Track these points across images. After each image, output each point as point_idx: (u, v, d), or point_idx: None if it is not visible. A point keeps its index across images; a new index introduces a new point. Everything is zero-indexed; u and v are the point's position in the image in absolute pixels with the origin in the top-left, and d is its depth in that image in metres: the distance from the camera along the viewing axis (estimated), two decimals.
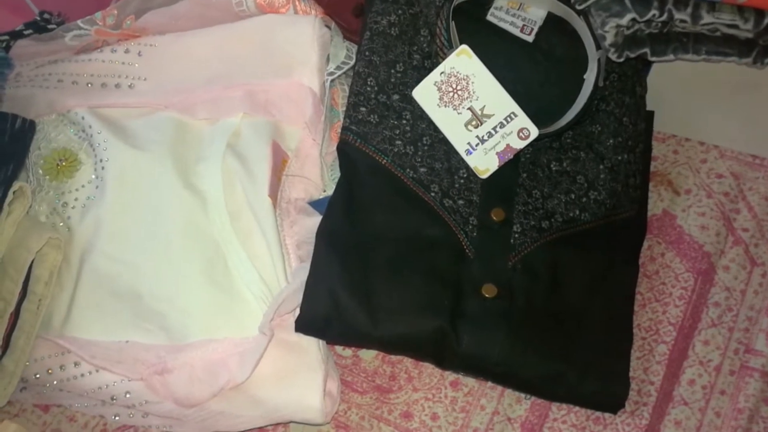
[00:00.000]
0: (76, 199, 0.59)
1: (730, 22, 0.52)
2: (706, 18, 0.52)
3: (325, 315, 0.52)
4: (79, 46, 0.65)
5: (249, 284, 0.55)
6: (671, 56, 0.55)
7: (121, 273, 0.56)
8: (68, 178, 0.59)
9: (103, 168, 0.58)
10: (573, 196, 0.57)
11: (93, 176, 0.59)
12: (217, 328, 0.55)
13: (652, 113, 0.62)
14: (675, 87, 0.62)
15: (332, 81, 0.63)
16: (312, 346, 0.54)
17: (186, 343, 0.54)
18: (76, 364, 0.55)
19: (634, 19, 0.53)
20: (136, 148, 0.59)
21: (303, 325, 0.53)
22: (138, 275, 0.56)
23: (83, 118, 0.60)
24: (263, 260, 0.55)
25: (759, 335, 0.56)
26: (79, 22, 0.65)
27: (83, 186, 0.59)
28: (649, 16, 0.52)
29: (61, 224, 0.58)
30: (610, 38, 0.55)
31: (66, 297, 0.56)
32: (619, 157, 0.58)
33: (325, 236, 0.55)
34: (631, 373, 0.54)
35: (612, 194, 0.57)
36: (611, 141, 0.58)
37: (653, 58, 0.56)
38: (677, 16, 0.52)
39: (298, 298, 0.53)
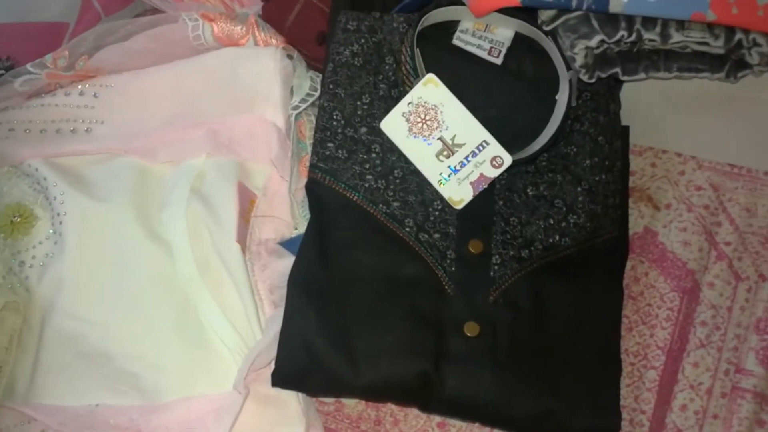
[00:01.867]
0: (33, 257, 0.56)
1: (701, 39, 0.51)
2: (676, 36, 0.51)
3: (302, 367, 0.50)
4: (30, 90, 0.62)
5: (222, 336, 0.53)
6: (643, 75, 0.54)
7: (86, 333, 0.54)
8: (24, 235, 0.56)
9: (60, 222, 0.56)
10: (552, 221, 0.55)
11: (50, 231, 0.57)
12: (192, 384, 0.53)
13: (627, 128, 0.61)
14: (649, 100, 0.61)
15: (298, 113, 0.61)
16: (291, 398, 0.52)
17: (161, 402, 0.52)
18: None
19: (603, 40, 0.52)
20: (96, 199, 0.56)
21: (280, 380, 0.51)
22: (105, 334, 0.54)
23: (37, 169, 0.58)
24: (235, 310, 0.53)
25: (749, 354, 0.55)
26: (28, 66, 0.62)
27: (40, 242, 0.56)
28: (617, 37, 0.51)
29: (19, 285, 0.55)
30: (580, 60, 0.53)
31: (29, 361, 0.54)
32: (597, 178, 0.57)
33: (297, 282, 0.53)
34: (621, 402, 0.53)
35: (592, 217, 0.56)
36: (587, 162, 0.57)
37: (625, 78, 0.55)
38: (646, 35, 0.51)
39: (273, 351, 0.51)
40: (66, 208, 0.56)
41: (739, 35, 0.50)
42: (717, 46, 0.51)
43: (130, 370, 0.53)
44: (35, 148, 0.59)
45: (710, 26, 0.51)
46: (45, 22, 0.65)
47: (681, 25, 0.50)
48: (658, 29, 0.50)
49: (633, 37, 0.51)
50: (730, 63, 0.53)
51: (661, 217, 0.60)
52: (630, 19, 0.51)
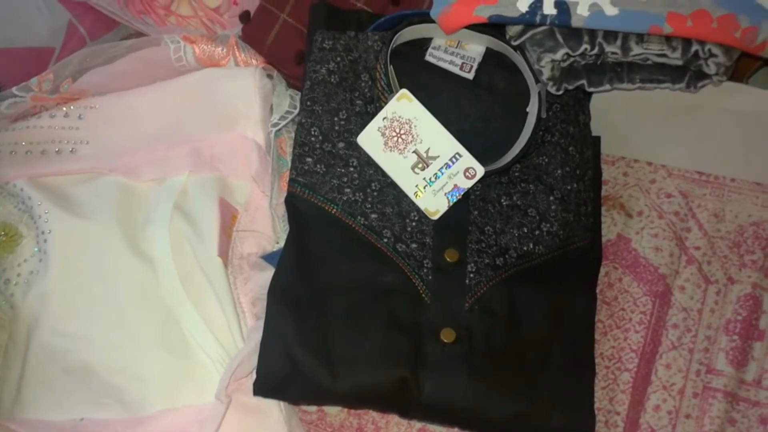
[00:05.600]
0: (18, 275, 0.57)
1: (659, 51, 0.53)
2: (636, 49, 0.53)
3: (282, 376, 0.51)
4: (16, 113, 0.64)
5: (205, 348, 0.54)
6: (608, 86, 0.56)
7: (71, 348, 0.55)
8: (9, 253, 0.57)
9: (45, 240, 0.57)
10: (525, 229, 0.57)
11: (35, 249, 0.57)
12: (175, 395, 0.53)
13: (598, 139, 0.63)
14: (618, 111, 0.63)
15: (278, 130, 0.63)
16: (273, 407, 0.53)
17: (145, 414, 0.53)
18: None
19: (567, 53, 0.54)
20: (80, 217, 0.57)
21: (261, 389, 0.52)
22: (90, 349, 0.54)
23: (22, 189, 0.59)
24: (218, 322, 0.54)
25: (719, 354, 0.57)
26: (13, 89, 0.63)
27: (25, 260, 0.57)
28: (581, 50, 0.53)
29: (4, 302, 0.56)
30: (546, 72, 0.55)
31: (14, 377, 0.54)
32: (569, 187, 0.58)
33: (276, 293, 0.54)
34: (596, 404, 0.54)
35: (564, 225, 0.57)
36: (559, 171, 0.59)
37: (591, 89, 0.57)
38: (608, 48, 0.53)
39: (254, 361, 0.52)
40: (51, 227, 0.57)
41: (695, 47, 0.53)
42: (675, 57, 0.53)
43: (114, 384, 0.53)
44: (20, 168, 0.60)
45: (668, 39, 0.53)
46: (31, 47, 0.67)
47: (640, 38, 0.53)
48: (618, 42, 0.53)
49: (596, 50, 0.53)
50: (690, 74, 0.55)
51: (633, 224, 0.62)
52: (592, 33, 0.53)
